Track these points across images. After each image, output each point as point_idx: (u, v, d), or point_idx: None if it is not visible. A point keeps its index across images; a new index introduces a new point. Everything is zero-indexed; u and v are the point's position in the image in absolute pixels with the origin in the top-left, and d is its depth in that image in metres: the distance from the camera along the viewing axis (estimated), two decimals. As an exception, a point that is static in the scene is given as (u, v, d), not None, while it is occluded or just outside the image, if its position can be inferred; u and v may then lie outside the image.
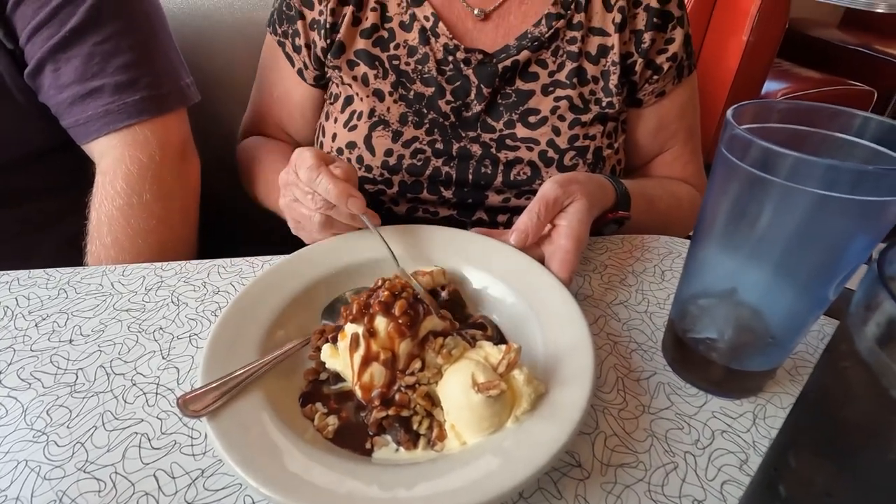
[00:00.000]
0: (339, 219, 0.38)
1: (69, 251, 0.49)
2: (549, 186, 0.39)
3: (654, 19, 0.50)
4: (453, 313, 0.32)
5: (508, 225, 0.52)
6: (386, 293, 0.27)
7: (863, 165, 0.25)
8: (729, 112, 0.27)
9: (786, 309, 0.29)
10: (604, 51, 0.50)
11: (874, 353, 0.16)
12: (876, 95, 1.90)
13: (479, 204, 0.52)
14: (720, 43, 1.84)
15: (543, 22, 0.49)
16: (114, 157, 0.46)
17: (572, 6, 0.50)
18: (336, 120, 0.52)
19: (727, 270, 0.29)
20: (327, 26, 0.50)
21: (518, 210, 0.49)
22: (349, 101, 0.51)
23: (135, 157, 0.46)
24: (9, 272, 0.41)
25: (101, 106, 0.45)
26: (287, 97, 0.57)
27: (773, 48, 1.75)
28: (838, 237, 0.24)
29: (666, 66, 0.51)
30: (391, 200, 0.52)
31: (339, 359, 0.28)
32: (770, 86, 1.89)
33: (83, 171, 0.49)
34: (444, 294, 0.35)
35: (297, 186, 0.38)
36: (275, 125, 0.60)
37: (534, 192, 0.47)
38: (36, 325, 0.36)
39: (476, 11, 0.50)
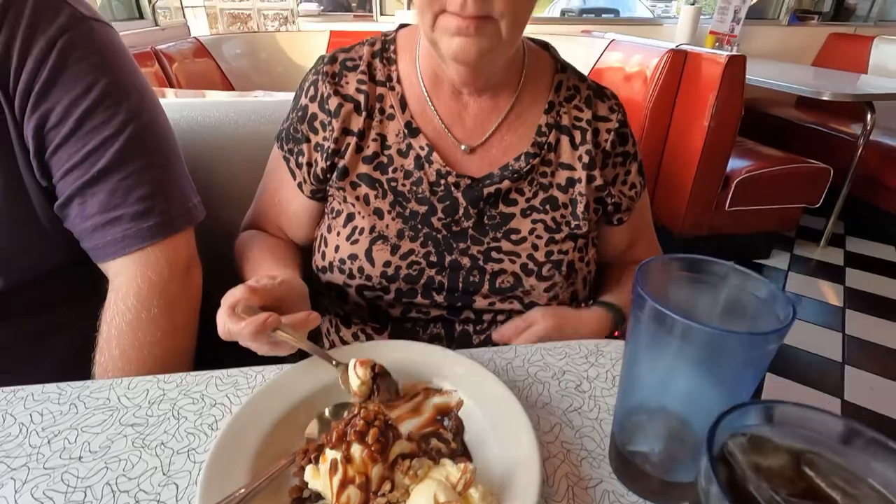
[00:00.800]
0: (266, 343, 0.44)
1: (78, 358, 0.53)
2: (537, 314, 0.56)
3: (615, 159, 0.61)
4: (387, 388, 0.41)
5: (493, 323, 0.61)
6: (361, 422, 0.32)
7: (718, 329, 0.31)
8: (636, 270, 0.33)
9: (710, 419, 0.34)
10: (571, 182, 0.60)
11: None
12: (832, 173, 2.04)
13: (467, 306, 0.59)
14: (685, 128, 2.01)
15: (522, 158, 0.59)
16: (127, 276, 0.52)
17: (545, 147, 0.59)
18: (339, 234, 0.59)
19: (655, 386, 0.35)
20: (329, 151, 0.58)
21: (502, 311, 0.60)
22: (351, 217, 0.58)
23: (145, 276, 0.52)
24: (24, 387, 0.45)
25: (120, 232, 0.52)
26: (287, 204, 0.64)
27: (732, 131, 1.91)
28: (734, 362, 0.30)
29: (629, 194, 0.63)
30: (388, 304, 0.58)
31: (319, 479, 0.33)
32: (734, 163, 2.04)
33: (96, 283, 0.55)
34: (376, 369, 0.41)
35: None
36: (274, 225, 0.68)
37: (516, 297, 0.58)
38: (48, 442, 0.40)
39: (463, 147, 0.59)
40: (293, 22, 2.71)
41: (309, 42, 2.60)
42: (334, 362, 0.44)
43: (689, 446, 0.35)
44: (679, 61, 1.97)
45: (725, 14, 2.85)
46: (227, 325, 0.43)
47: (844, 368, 1.62)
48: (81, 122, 0.50)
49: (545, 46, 0.65)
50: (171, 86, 1.89)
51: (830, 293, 2.05)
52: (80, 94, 0.50)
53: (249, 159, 0.80)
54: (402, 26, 0.63)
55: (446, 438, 0.38)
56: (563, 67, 0.63)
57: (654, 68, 2.02)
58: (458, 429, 0.40)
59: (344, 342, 0.63)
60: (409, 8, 2.61)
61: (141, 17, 2.05)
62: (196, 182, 0.61)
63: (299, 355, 0.46)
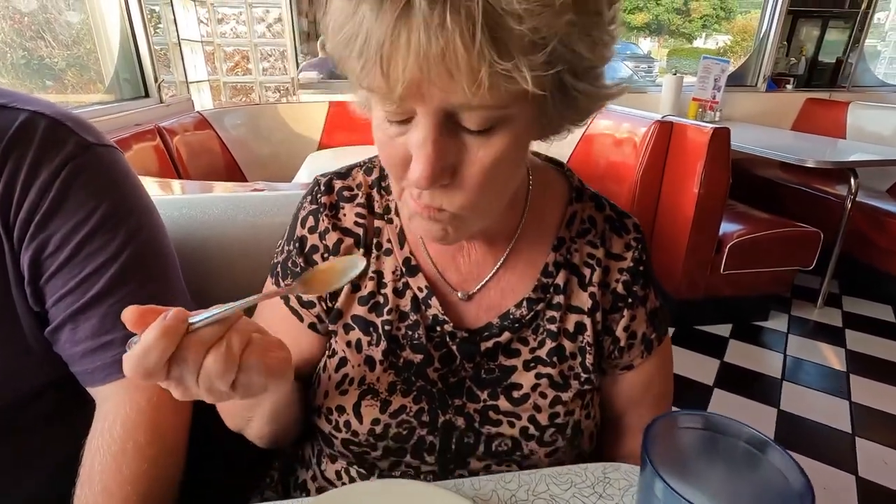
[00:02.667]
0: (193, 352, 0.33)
1: (59, 477, 0.51)
2: None
3: (619, 303, 0.53)
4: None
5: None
6: None
7: None
8: (644, 433, 0.32)
9: None
10: (581, 328, 0.52)
11: None
12: (822, 236, 2.07)
13: (460, 468, 0.52)
14: (675, 194, 2.05)
15: (524, 305, 0.51)
16: (114, 403, 0.50)
17: (551, 289, 0.52)
18: (330, 378, 0.53)
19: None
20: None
21: (498, 472, 0.51)
22: (343, 363, 0.53)
23: (134, 402, 0.50)
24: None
25: (110, 357, 0.50)
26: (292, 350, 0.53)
27: (722, 198, 1.95)
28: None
29: (630, 344, 0.54)
30: (374, 459, 0.52)
31: None
32: (726, 227, 2.07)
33: (82, 403, 0.53)
34: None
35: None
36: None
37: (514, 461, 0.50)
38: None
39: (459, 294, 0.53)
40: (293, 93, 2.82)
41: (309, 112, 2.70)
42: (295, 285, 0.38)
43: None
44: (666, 131, 2.05)
45: (706, 82, 3.00)
46: (133, 357, 0.32)
47: (855, 441, 1.57)
48: (80, 248, 0.50)
49: (559, 167, 0.57)
50: (172, 159, 1.94)
51: (832, 357, 2.02)
52: (81, 220, 0.50)
53: (245, 253, 0.80)
54: None
55: None
56: (580, 195, 0.55)
57: (643, 137, 2.09)
58: None
59: (326, 478, 0.57)
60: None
61: (147, 95, 2.13)
62: (192, 280, 0.60)
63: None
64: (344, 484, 0.55)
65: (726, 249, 2.02)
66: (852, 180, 2.12)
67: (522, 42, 0.30)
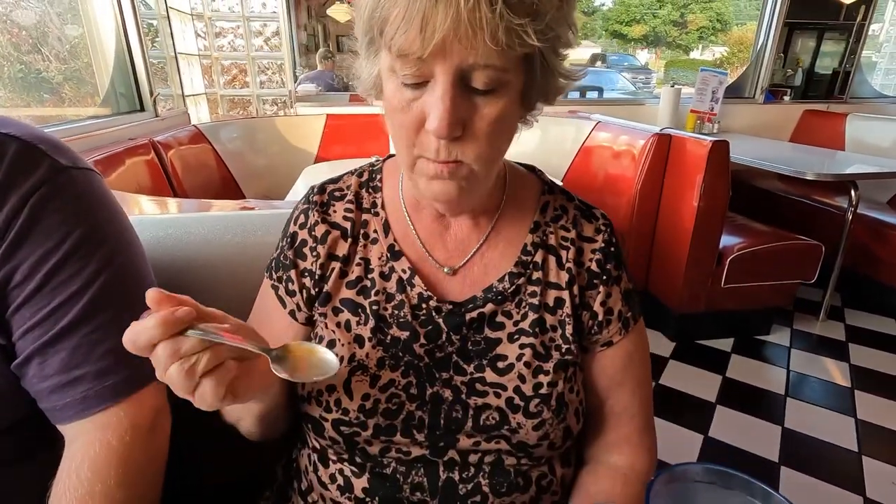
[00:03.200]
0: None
1: None
2: None
3: (594, 280, 0.58)
4: None
5: (479, 469, 0.55)
6: None
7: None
8: (647, 487, 0.29)
9: None
10: (560, 302, 0.57)
11: None
12: (823, 249, 2.05)
13: (450, 446, 0.54)
14: (675, 206, 2.03)
15: (507, 279, 0.57)
16: (83, 442, 0.48)
17: (531, 266, 0.58)
18: None
19: None
20: (317, 277, 0.57)
21: (488, 452, 0.54)
22: (332, 345, 0.56)
23: (104, 441, 0.48)
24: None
25: (80, 393, 0.48)
26: (277, 334, 0.61)
27: (721, 211, 1.93)
28: None
29: (607, 320, 0.58)
30: (365, 441, 0.54)
31: None
32: (726, 240, 2.05)
33: (52, 441, 0.50)
34: None
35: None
36: None
37: (503, 436, 0.52)
38: None
39: (445, 269, 0.58)
40: (291, 106, 2.82)
41: (306, 125, 2.69)
42: (273, 352, 0.42)
43: None
44: (665, 144, 2.04)
45: (704, 94, 3.00)
46: (130, 330, 0.37)
47: (862, 460, 1.53)
48: (49, 277, 0.47)
49: (532, 169, 0.65)
50: (166, 174, 1.92)
51: (836, 372, 1.99)
52: (51, 248, 0.47)
53: (233, 274, 0.78)
54: (391, 156, 0.63)
55: None
56: (551, 189, 0.63)
57: (641, 150, 2.08)
58: None
59: (322, 483, 0.58)
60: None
61: (142, 109, 2.12)
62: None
63: None
64: (339, 487, 0.56)
65: (727, 262, 2.00)
66: (853, 192, 2.10)
67: (530, 9, 0.40)
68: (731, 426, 1.68)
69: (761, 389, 1.88)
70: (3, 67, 2.07)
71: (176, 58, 2.45)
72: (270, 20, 2.81)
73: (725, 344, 2.16)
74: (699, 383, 1.90)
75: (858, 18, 3.26)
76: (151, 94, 2.11)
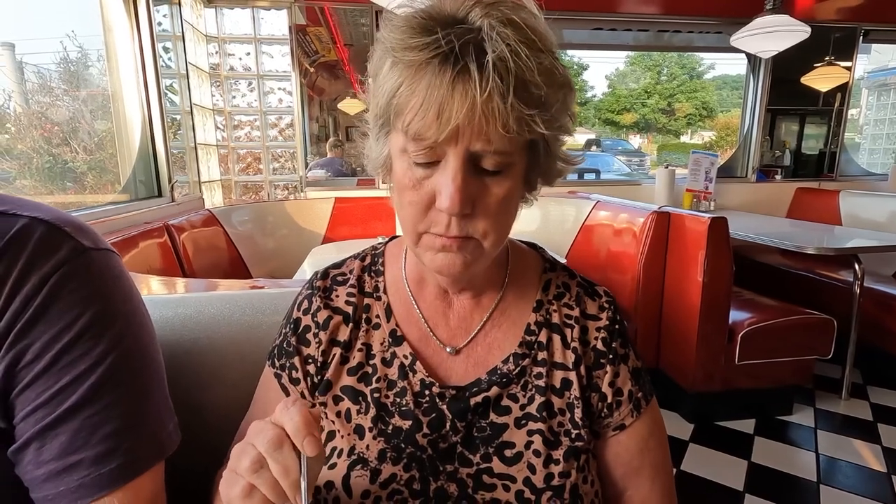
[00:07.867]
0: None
1: None
2: None
3: (601, 360, 0.56)
4: None
5: None
6: None
7: None
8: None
9: None
10: (567, 384, 0.55)
11: None
12: (836, 323, 2.02)
13: None
14: (680, 282, 2.03)
15: (511, 360, 0.55)
16: (73, 535, 0.45)
17: (535, 346, 0.56)
18: None
19: None
20: (318, 363, 0.55)
21: None
22: (331, 436, 0.53)
23: (96, 536, 0.45)
24: None
25: (76, 480, 0.45)
26: None
27: (727, 286, 1.93)
28: None
29: (617, 401, 0.55)
30: None
31: None
32: (736, 315, 2.02)
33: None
34: None
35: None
36: None
37: None
38: None
39: (448, 349, 0.56)
40: (301, 190, 2.94)
41: (315, 207, 2.79)
42: None
43: None
44: (664, 221, 2.09)
45: (697, 174, 3.13)
46: (273, 417, 0.39)
47: (913, 557, 1.39)
48: (59, 357, 0.47)
49: (533, 247, 0.66)
50: (177, 255, 1.96)
51: (869, 455, 1.87)
52: (63, 327, 0.48)
53: (240, 354, 0.77)
54: (392, 238, 0.65)
55: None
56: (553, 266, 0.62)
57: (642, 227, 2.13)
58: None
59: None
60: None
61: (160, 195, 2.22)
62: (182, 385, 0.57)
63: None
64: None
65: (738, 338, 1.96)
66: (857, 266, 2.11)
67: (539, 101, 0.43)
68: (763, 519, 1.55)
69: (791, 476, 1.76)
70: (32, 160, 2.20)
71: (195, 148, 2.61)
72: (286, 113, 3.02)
73: (747, 425, 2.05)
74: (724, 469, 1.78)
75: (836, 104, 3.48)
76: (170, 181, 2.23)
